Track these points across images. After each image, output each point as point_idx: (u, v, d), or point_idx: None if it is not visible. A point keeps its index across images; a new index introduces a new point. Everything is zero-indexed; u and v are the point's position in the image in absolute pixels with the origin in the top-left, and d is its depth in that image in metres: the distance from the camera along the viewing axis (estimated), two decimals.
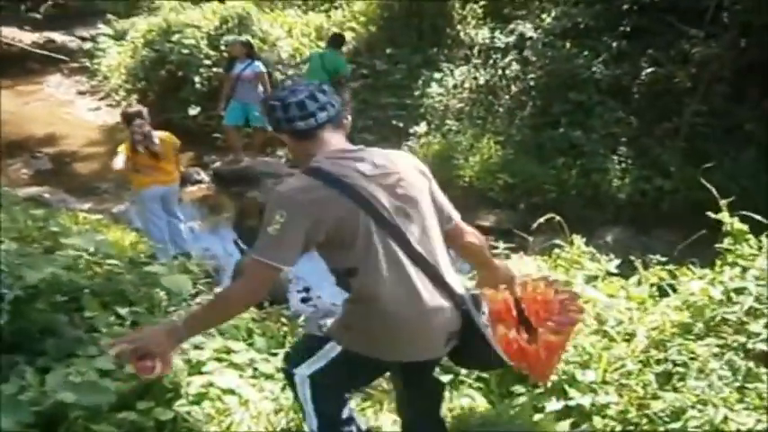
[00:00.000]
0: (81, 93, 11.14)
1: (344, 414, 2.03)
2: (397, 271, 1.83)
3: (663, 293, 3.41)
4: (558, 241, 3.81)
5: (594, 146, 7.42)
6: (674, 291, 3.42)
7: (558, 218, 3.74)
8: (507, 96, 8.28)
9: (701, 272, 3.42)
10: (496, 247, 3.87)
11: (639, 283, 3.53)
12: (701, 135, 7.13)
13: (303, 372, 1.98)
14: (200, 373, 2.60)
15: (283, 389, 2.58)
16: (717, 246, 3.37)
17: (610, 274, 3.58)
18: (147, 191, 5.25)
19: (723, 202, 3.46)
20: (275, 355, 3.01)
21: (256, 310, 3.49)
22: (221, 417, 2.48)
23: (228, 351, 2.82)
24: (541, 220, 3.82)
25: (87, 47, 11.85)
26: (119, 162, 5.08)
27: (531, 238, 4.01)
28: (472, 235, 2.12)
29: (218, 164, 8.20)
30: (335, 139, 1.90)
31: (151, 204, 5.30)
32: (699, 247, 4.02)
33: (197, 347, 2.69)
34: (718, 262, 3.27)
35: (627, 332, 3.04)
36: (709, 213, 3.43)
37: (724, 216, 3.39)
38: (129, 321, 2.79)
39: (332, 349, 1.96)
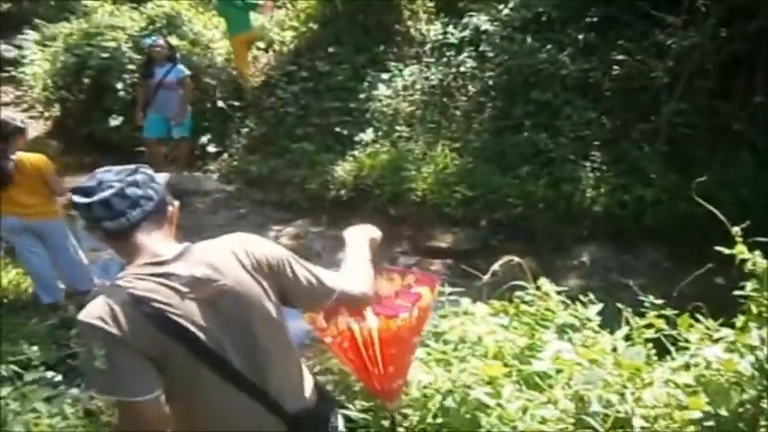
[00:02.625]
0: (5, 104, 10.05)
1: None
2: (211, 399, 1.64)
3: (661, 351, 2.60)
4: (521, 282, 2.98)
5: (563, 151, 6.49)
6: (675, 346, 2.61)
7: (517, 259, 3.03)
8: (464, 98, 7.38)
9: (710, 324, 2.41)
10: (442, 293, 3.07)
11: (629, 338, 2.64)
12: (684, 137, 6.26)
13: None
14: None
15: None
16: (736, 292, 2.35)
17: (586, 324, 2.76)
18: (3, 220, 4.43)
19: (736, 230, 2.45)
20: None
21: None
22: None
23: None
24: (497, 265, 3.08)
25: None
26: None
27: (484, 278, 3.01)
28: (355, 299, 1.89)
29: None
30: (153, 241, 1.65)
31: (14, 237, 4.58)
32: (700, 283, 3.07)
33: None
34: (741, 318, 2.25)
35: (617, 425, 2.12)
36: (719, 248, 2.40)
37: (740, 250, 2.37)
38: None
39: None
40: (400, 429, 2.26)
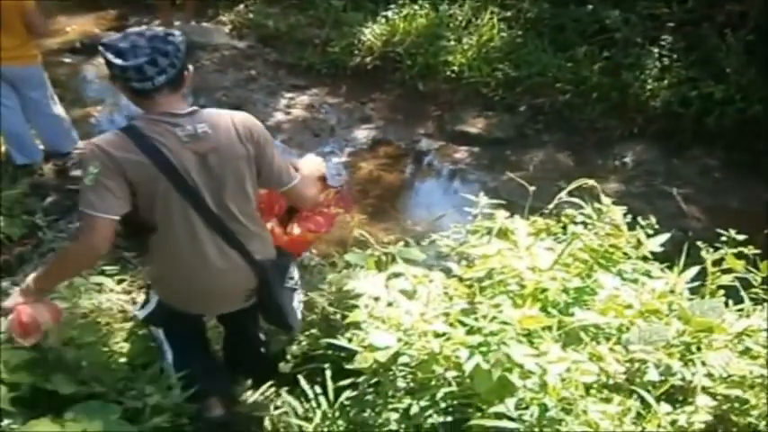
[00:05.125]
0: None
1: (195, 349, 2.40)
2: (191, 234, 2.09)
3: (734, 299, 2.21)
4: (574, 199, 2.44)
5: (632, 32, 5.92)
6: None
7: (591, 182, 2.36)
8: None
9: None
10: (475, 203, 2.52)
11: (703, 289, 2.19)
12: None
13: (140, 315, 2.40)
14: None
15: None
16: None
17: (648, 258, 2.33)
18: None
19: None
20: None
21: None
22: None
23: None
24: (567, 190, 2.34)
25: None
26: None
27: (531, 188, 2.35)
28: (302, 198, 2.33)
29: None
30: (170, 101, 2.04)
31: None
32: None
33: None
34: None
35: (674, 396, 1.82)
36: None
37: None
38: None
39: (154, 295, 2.33)
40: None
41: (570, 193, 2.44)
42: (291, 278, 2.34)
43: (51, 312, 2.10)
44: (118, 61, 1.94)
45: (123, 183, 1.95)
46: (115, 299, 3.00)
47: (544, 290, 1.98)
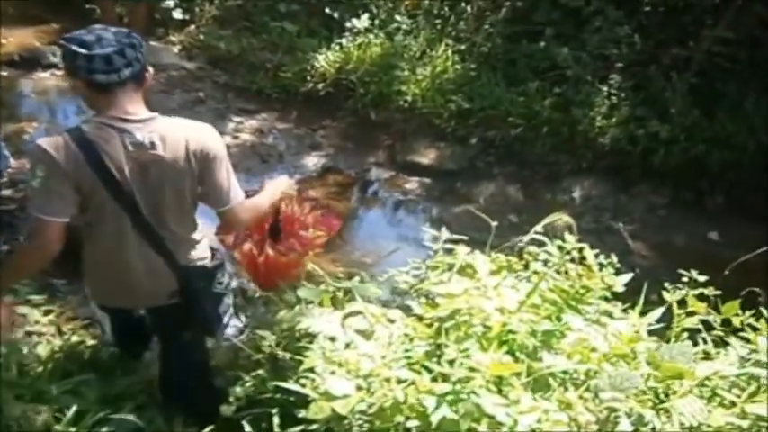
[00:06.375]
0: None
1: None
2: (120, 235, 2.13)
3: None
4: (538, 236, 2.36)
5: (583, 70, 5.98)
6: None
7: (566, 218, 2.34)
8: None
9: None
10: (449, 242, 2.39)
11: (669, 332, 2.17)
12: (718, 70, 5.78)
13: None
14: None
15: None
16: None
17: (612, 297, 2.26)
18: None
19: None
20: None
21: None
22: None
23: None
24: (543, 223, 2.31)
25: None
26: None
27: (494, 223, 2.26)
28: (232, 223, 2.35)
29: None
30: (131, 100, 2.05)
31: None
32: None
33: None
34: None
35: None
36: None
37: None
38: None
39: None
40: None
41: (527, 229, 2.37)
42: (220, 283, 2.37)
43: (5, 313, 2.27)
44: (84, 51, 1.93)
45: (68, 184, 1.99)
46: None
47: (510, 331, 1.87)
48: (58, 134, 2.03)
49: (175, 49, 6.77)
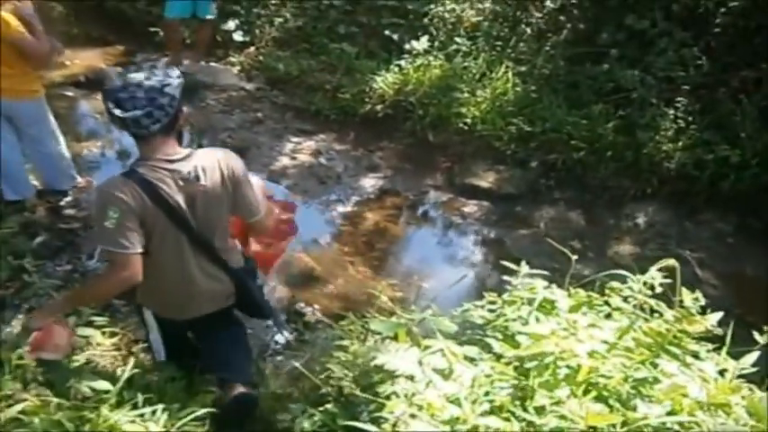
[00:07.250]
0: None
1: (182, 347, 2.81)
2: (179, 253, 2.46)
3: None
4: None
5: (648, 93, 5.80)
6: None
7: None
8: (539, 13, 6.62)
9: None
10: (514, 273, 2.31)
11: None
12: None
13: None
14: None
15: None
16: None
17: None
18: None
19: None
20: None
21: None
22: None
23: None
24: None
25: None
26: None
27: (574, 257, 2.16)
28: (262, 228, 2.73)
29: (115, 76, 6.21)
30: (165, 143, 2.37)
31: None
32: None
33: None
34: None
35: None
36: None
37: None
38: None
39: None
40: None
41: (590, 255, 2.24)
42: (258, 278, 2.83)
43: (68, 335, 2.43)
44: (117, 112, 2.26)
45: (137, 220, 2.30)
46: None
47: (600, 375, 1.74)
48: (117, 178, 2.34)
49: (235, 70, 6.85)
